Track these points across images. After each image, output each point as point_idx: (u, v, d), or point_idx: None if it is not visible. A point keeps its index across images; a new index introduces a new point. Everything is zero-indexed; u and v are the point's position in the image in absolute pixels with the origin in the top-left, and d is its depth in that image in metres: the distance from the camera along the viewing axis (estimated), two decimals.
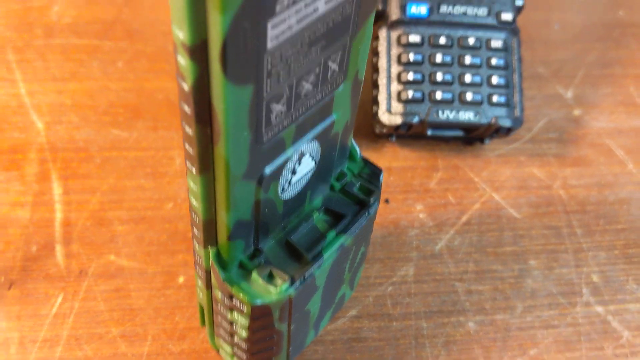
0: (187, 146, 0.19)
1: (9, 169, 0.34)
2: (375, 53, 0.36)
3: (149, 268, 0.31)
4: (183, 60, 0.16)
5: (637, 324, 0.32)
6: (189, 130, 0.18)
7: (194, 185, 0.20)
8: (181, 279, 0.31)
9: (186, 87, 0.17)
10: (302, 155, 0.22)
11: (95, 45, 0.41)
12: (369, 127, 0.38)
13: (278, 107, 0.19)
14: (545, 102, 0.42)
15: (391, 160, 0.37)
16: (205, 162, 0.19)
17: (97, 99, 0.38)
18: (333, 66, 0.21)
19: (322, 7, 0.18)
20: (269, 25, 0.16)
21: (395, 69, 0.35)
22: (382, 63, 0.35)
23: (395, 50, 0.35)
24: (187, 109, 0.18)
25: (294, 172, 0.22)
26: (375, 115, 0.35)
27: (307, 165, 0.23)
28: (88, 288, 0.30)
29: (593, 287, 0.33)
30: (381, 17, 0.35)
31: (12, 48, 0.41)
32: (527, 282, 0.33)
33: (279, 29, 0.17)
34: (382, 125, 0.35)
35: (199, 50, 0.16)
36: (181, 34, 0.16)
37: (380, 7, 0.35)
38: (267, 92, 0.18)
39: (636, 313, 0.32)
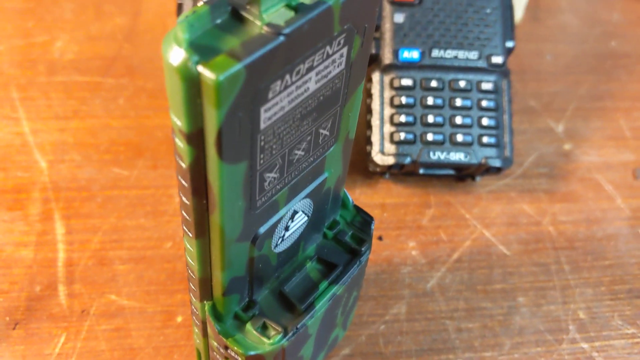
0: (184, 213, 0.20)
1: (13, 208, 0.35)
2: (368, 95, 0.37)
3: (149, 307, 0.32)
4: (181, 144, 0.17)
5: None
6: (186, 201, 0.19)
7: (191, 247, 0.21)
8: (179, 319, 0.32)
9: (184, 165, 0.18)
10: (295, 212, 0.23)
11: (97, 82, 0.43)
12: (363, 165, 0.39)
13: (271, 175, 0.20)
14: (536, 136, 0.43)
15: (385, 196, 0.38)
16: (202, 228, 0.20)
17: (98, 137, 0.40)
18: (324, 132, 0.22)
19: (312, 86, 0.19)
20: (262, 110, 0.17)
21: (388, 111, 0.36)
22: (375, 105, 0.36)
23: (387, 93, 0.36)
24: (185, 183, 0.19)
25: (287, 228, 0.23)
26: (369, 155, 0.36)
27: (300, 221, 0.24)
28: (90, 328, 0.31)
29: (579, 324, 0.34)
30: (374, 61, 0.36)
31: (16, 86, 0.42)
32: (515, 320, 0.34)
33: (272, 111, 0.18)
34: (376, 165, 0.36)
35: (195, 137, 0.17)
36: (179, 122, 0.17)
37: (373, 51, 0.36)
38: (260, 164, 0.19)
39: (621, 349, 0.33)
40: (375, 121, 0.36)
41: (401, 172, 0.37)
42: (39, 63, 0.44)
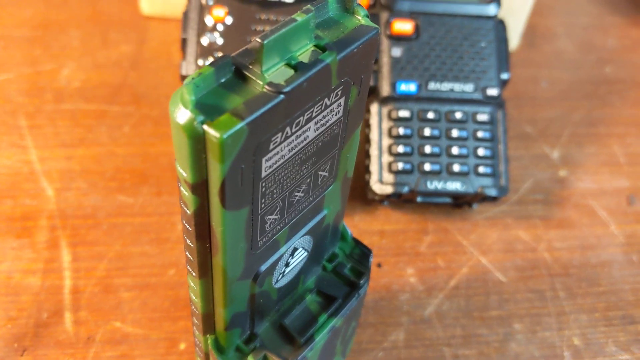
0: (188, 255, 0.21)
1: (21, 236, 0.36)
2: (367, 125, 0.38)
3: (153, 334, 0.33)
4: (186, 192, 0.18)
5: None
6: (190, 244, 0.20)
7: (194, 285, 0.22)
8: (182, 346, 0.33)
9: (189, 212, 0.19)
10: (295, 249, 0.24)
11: (103, 110, 0.44)
12: (362, 192, 0.40)
13: (272, 217, 0.21)
14: (532, 163, 0.44)
15: (383, 223, 0.39)
16: (205, 268, 0.21)
17: (104, 164, 0.41)
18: (323, 174, 0.23)
19: (311, 134, 0.20)
20: (263, 160, 0.18)
21: (386, 141, 0.37)
22: (374, 136, 0.37)
23: (386, 124, 0.37)
24: (189, 227, 0.20)
25: (287, 264, 0.24)
26: (367, 183, 0.37)
27: (299, 257, 0.25)
28: (95, 355, 0.32)
29: (574, 350, 0.35)
30: (373, 93, 0.37)
31: (24, 113, 0.43)
32: (511, 346, 0.34)
33: (272, 160, 0.19)
34: (374, 193, 0.37)
35: (199, 187, 0.18)
36: (185, 174, 0.18)
37: (372, 83, 0.37)
38: (261, 208, 0.20)
39: None
40: (373, 151, 0.37)
41: (399, 200, 0.38)
42: (47, 91, 0.45)
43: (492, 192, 0.37)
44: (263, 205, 0.20)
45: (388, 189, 0.36)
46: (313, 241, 0.25)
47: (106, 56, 0.48)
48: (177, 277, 0.35)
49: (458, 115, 0.37)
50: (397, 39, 0.37)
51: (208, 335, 0.24)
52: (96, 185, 0.39)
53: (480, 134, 0.37)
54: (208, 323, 0.24)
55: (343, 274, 0.27)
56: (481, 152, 0.37)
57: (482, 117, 0.38)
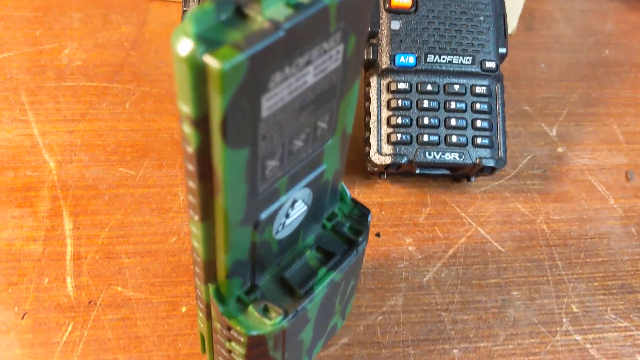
0: (190, 197, 0.22)
1: (22, 205, 0.37)
2: (367, 98, 0.38)
3: (154, 298, 0.33)
4: (188, 129, 0.19)
5: (615, 352, 0.34)
6: (192, 185, 0.21)
7: (196, 230, 0.23)
8: (184, 309, 0.33)
9: (190, 150, 0.19)
10: (295, 201, 0.24)
11: (104, 87, 0.44)
12: (361, 165, 0.40)
13: (272, 163, 0.22)
14: (530, 139, 0.44)
15: (382, 196, 0.40)
16: (207, 211, 0.22)
17: (106, 138, 0.41)
18: (322, 125, 0.23)
19: (310, 79, 0.20)
20: (263, 99, 0.19)
21: (385, 113, 0.37)
22: (373, 108, 0.38)
23: (385, 96, 0.38)
24: (191, 167, 0.20)
25: (287, 215, 0.25)
26: (367, 155, 0.38)
27: (299, 209, 0.25)
28: (96, 317, 0.32)
29: (573, 317, 0.35)
30: (372, 66, 0.38)
31: (25, 90, 0.43)
32: (509, 312, 0.34)
33: (272, 101, 0.19)
34: (374, 164, 0.37)
35: (201, 122, 0.18)
36: (186, 109, 0.18)
37: (371, 56, 0.37)
38: (262, 152, 0.21)
39: (614, 342, 0.34)
40: (373, 123, 0.37)
41: (398, 172, 0.39)
42: (48, 69, 0.45)
43: (490, 162, 0.37)
44: (263, 149, 0.21)
45: (387, 160, 0.37)
46: (312, 195, 0.25)
47: (107, 37, 0.48)
48: (178, 244, 0.35)
49: (456, 87, 0.38)
50: (396, 12, 0.38)
51: (209, 285, 0.25)
52: (97, 158, 0.40)
53: (478, 106, 0.38)
54: (209, 271, 0.24)
55: (342, 232, 0.28)
56: (479, 123, 0.38)
57: (480, 89, 0.38)
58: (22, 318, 0.32)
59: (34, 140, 0.40)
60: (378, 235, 0.37)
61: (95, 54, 0.46)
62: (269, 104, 0.19)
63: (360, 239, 0.27)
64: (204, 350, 0.30)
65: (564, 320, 0.35)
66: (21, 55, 0.46)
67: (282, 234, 0.25)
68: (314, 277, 0.26)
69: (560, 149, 0.44)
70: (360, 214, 0.28)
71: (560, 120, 0.46)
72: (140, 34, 0.49)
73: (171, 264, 0.35)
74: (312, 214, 0.26)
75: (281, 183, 0.23)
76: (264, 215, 0.23)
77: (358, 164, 0.41)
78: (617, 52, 0.53)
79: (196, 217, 0.22)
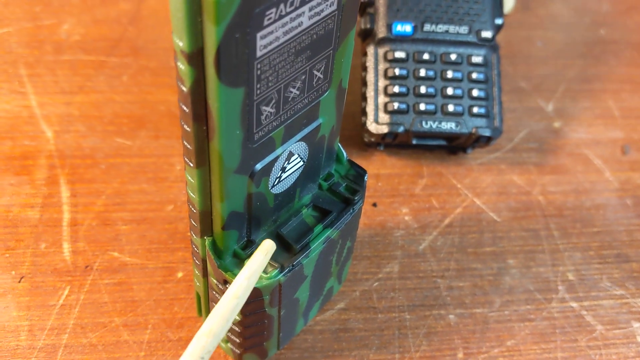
0: (185, 143, 0.22)
1: (20, 173, 0.37)
2: (363, 68, 0.38)
3: (150, 264, 0.33)
4: (182, 66, 0.19)
5: (611, 318, 0.34)
6: (187, 128, 0.21)
7: (191, 178, 0.23)
8: (180, 274, 0.33)
9: (185, 89, 0.19)
10: (291, 154, 0.24)
11: (102, 61, 0.44)
12: (358, 137, 0.41)
13: (267, 109, 0.22)
14: (526, 114, 0.45)
15: (379, 167, 0.40)
16: (202, 157, 0.22)
17: (103, 110, 0.41)
18: (318, 74, 0.23)
19: (306, 21, 0.20)
20: (258, 36, 0.19)
21: (382, 82, 0.37)
22: (370, 77, 0.38)
23: (382, 66, 0.38)
24: (186, 108, 0.20)
25: (283, 169, 0.25)
26: (364, 125, 0.38)
27: (295, 164, 0.25)
28: (93, 282, 0.32)
29: (568, 285, 0.35)
30: (369, 35, 0.38)
31: (24, 63, 0.43)
32: (505, 280, 0.35)
33: (267, 40, 0.19)
34: (371, 134, 0.37)
35: (196, 57, 0.18)
36: (181, 43, 0.18)
37: (368, 25, 0.38)
38: (257, 94, 0.21)
39: (609, 309, 0.34)
40: (369, 92, 0.37)
41: (395, 143, 0.39)
42: (46, 43, 0.45)
43: (486, 132, 0.37)
44: (259, 92, 0.21)
45: (384, 129, 0.37)
46: (309, 151, 0.25)
47: (105, 13, 0.48)
48: (175, 212, 0.36)
49: (453, 56, 0.38)
50: None
51: (206, 238, 0.25)
52: (94, 129, 0.40)
53: (474, 76, 0.38)
54: (205, 222, 0.24)
55: (338, 191, 0.28)
56: (475, 93, 0.38)
57: (477, 59, 0.38)
58: (19, 281, 0.32)
59: (32, 111, 0.40)
60: (374, 205, 0.38)
61: (93, 29, 0.46)
62: (264, 42, 0.19)
63: (356, 197, 0.27)
64: (200, 312, 0.30)
65: (560, 287, 0.35)
66: (20, 31, 0.46)
67: (278, 189, 0.25)
68: (310, 234, 0.26)
69: (556, 124, 0.44)
70: (357, 174, 0.29)
71: (556, 96, 0.46)
72: (138, 10, 0.49)
73: (167, 231, 0.35)
74: (309, 172, 0.27)
75: (277, 133, 0.23)
76: (259, 166, 0.23)
77: (355, 138, 0.41)
78: (613, 32, 0.53)
79: (191, 164, 0.22)
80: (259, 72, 0.20)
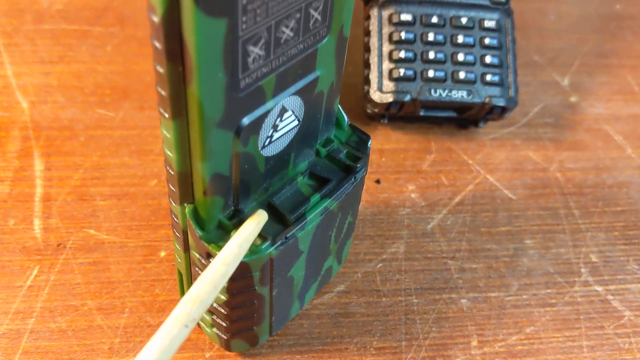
0: (159, 89, 0.18)
1: None
2: (366, 33, 0.35)
3: (130, 242, 0.30)
4: None
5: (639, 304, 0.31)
6: (160, 69, 0.18)
7: (168, 133, 0.19)
8: (163, 253, 0.30)
9: (156, 19, 0.16)
10: (284, 110, 0.21)
11: (85, 31, 0.41)
12: (361, 109, 0.37)
13: (256, 51, 0.18)
14: (541, 89, 0.41)
15: (383, 142, 0.37)
16: (178, 105, 0.18)
17: (84, 80, 0.38)
18: (315, 15, 0.20)
19: None
20: None
21: (386, 47, 0.34)
22: (374, 42, 0.34)
23: (386, 29, 0.34)
24: (158, 44, 0.17)
25: (275, 128, 0.22)
26: (366, 94, 0.35)
27: (289, 123, 0.22)
28: (65, 261, 0.29)
29: (592, 267, 0.32)
30: None
31: (1, 33, 0.40)
32: (522, 261, 0.31)
33: None
34: (374, 104, 0.34)
35: None
36: None
37: None
38: (242, 30, 0.18)
39: (638, 293, 0.31)
40: (373, 58, 0.34)
41: (400, 114, 0.36)
42: (26, 12, 0.42)
43: (500, 102, 0.34)
44: (245, 26, 0.17)
45: (388, 98, 0.34)
46: (305, 108, 0.22)
47: None
48: (159, 187, 0.32)
49: (464, 20, 0.35)
50: None
51: (186, 205, 0.22)
52: (74, 100, 0.37)
53: (487, 41, 0.35)
54: (185, 186, 0.21)
55: (338, 158, 0.25)
56: (488, 59, 0.34)
57: (489, 23, 0.35)
58: None
59: (7, 81, 0.37)
60: (378, 182, 0.34)
61: None
62: None
63: (358, 165, 0.24)
64: (182, 294, 0.27)
65: (583, 270, 0.31)
66: None
67: (269, 150, 0.22)
68: (306, 204, 0.23)
69: (572, 99, 0.41)
70: (359, 140, 0.25)
71: (572, 70, 0.43)
72: None
73: (150, 207, 0.31)
74: (305, 134, 0.23)
75: (267, 82, 0.20)
76: (247, 120, 0.20)
77: (357, 110, 0.38)
78: (628, 7, 0.50)
79: (167, 115, 0.19)
80: (244, 1, 0.17)
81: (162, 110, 0.19)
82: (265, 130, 0.21)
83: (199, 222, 0.22)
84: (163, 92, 0.18)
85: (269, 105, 0.20)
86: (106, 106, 0.36)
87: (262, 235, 0.22)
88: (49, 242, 0.30)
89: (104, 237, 0.30)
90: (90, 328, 0.27)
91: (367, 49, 0.35)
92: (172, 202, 0.22)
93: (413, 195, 0.34)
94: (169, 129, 0.19)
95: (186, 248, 0.23)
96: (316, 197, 0.23)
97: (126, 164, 0.33)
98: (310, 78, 0.21)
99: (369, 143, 0.25)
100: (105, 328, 0.27)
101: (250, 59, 0.18)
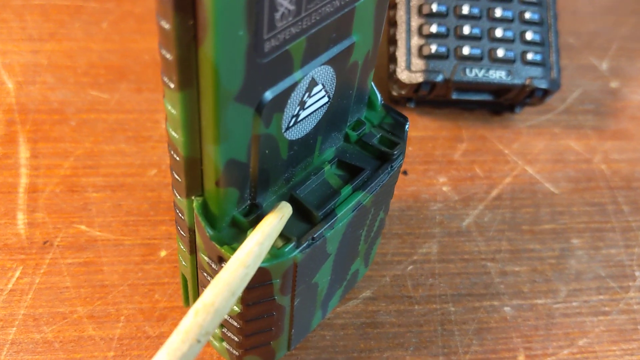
0: (163, 52, 0.15)
1: None
2: (392, 5, 0.31)
3: (126, 240, 0.26)
4: None
5: None
6: (166, 25, 0.14)
7: (173, 108, 0.16)
8: (163, 253, 0.26)
9: None
10: (313, 83, 0.18)
11: (79, 6, 0.37)
12: (384, 92, 0.34)
13: (285, 4, 0.15)
14: (579, 73, 0.38)
15: (410, 129, 0.33)
16: (187, 72, 0.15)
17: (76, 59, 0.34)
18: None
19: None
20: None
21: (415, 21, 0.31)
22: (401, 15, 0.31)
23: (415, 1, 0.31)
24: None
25: (302, 105, 0.18)
26: (392, 74, 0.31)
27: (319, 99, 0.19)
28: (53, 261, 0.25)
29: None
30: None
31: None
32: (570, 263, 0.28)
33: None
34: (401, 85, 0.31)
35: None
36: None
37: None
38: None
39: None
40: (400, 34, 0.31)
41: (429, 98, 0.32)
42: None
43: (542, 84, 0.30)
44: None
45: (418, 78, 0.30)
46: (337, 82, 0.19)
47: None
48: (159, 177, 0.29)
49: None
50: None
51: (194, 198, 0.18)
52: (66, 80, 0.33)
53: (527, 16, 0.31)
54: (193, 175, 0.17)
55: (372, 144, 0.21)
56: (529, 36, 0.31)
57: None
58: None
59: None
60: (405, 173, 0.31)
61: None
62: None
63: (395, 152, 0.21)
64: (187, 301, 0.23)
65: (637, 273, 0.28)
66: None
67: (294, 133, 0.18)
68: (336, 198, 0.19)
69: (613, 84, 0.37)
70: (395, 122, 0.22)
71: (610, 54, 0.40)
72: None
73: (149, 200, 0.28)
74: (334, 114, 0.20)
75: (296, 47, 0.16)
76: (270, 94, 0.16)
77: (380, 92, 0.34)
78: None
79: (172, 85, 0.15)
80: None
81: (166, 80, 0.15)
82: (291, 107, 0.17)
83: (209, 218, 0.18)
84: (168, 56, 0.15)
85: (297, 76, 0.17)
86: (100, 87, 0.33)
87: (284, 236, 0.18)
88: (34, 239, 0.26)
89: (96, 234, 0.26)
90: (80, 339, 0.23)
91: (393, 23, 0.31)
92: (177, 195, 0.19)
93: (445, 189, 0.30)
94: (175, 102, 0.15)
95: (192, 249, 0.20)
96: (347, 190, 0.20)
97: (122, 151, 0.30)
98: (345, 44, 0.18)
99: (407, 126, 0.22)
100: (98, 339, 0.23)
101: (278, 15, 0.15)
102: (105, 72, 0.33)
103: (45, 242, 0.26)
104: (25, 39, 0.35)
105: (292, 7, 0.15)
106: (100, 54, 0.34)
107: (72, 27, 0.36)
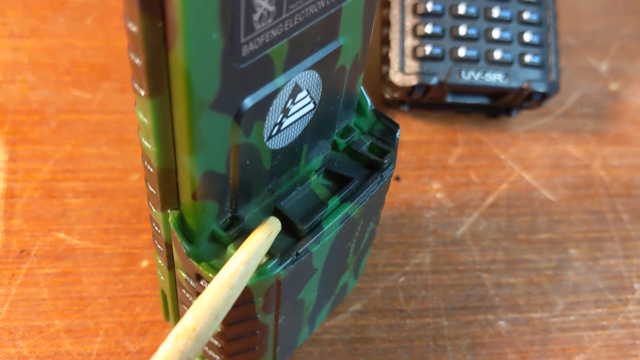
0: (132, 56, 0.14)
1: None
2: (385, 4, 0.30)
3: (106, 249, 0.25)
4: None
5: None
6: (133, 27, 0.13)
7: (144, 117, 0.15)
8: (145, 263, 0.25)
9: None
10: (297, 89, 0.17)
11: (62, 1, 0.36)
12: (377, 94, 0.33)
13: (264, 5, 0.14)
14: (578, 75, 0.37)
15: (403, 133, 0.32)
16: (158, 78, 0.14)
17: (58, 57, 0.33)
18: None
19: None
20: None
21: (410, 20, 0.29)
22: (395, 14, 0.30)
23: (410, 0, 0.30)
24: None
25: (286, 112, 0.17)
26: (385, 76, 0.30)
27: (304, 106, 0.17)
28: (29, 271, 0.24)
29: None
30: None
31: None
32: (567, 275, 0.27)
33: None
34: (394, 87, 0.29)
35: None
36: None
37: None
38: None
39: None
40: (394, 34, 0.29)
41: (423, 101, 0.31)
42: None
43: (541, 87, 0.29)
44: None
45: (412, 80, 0.29)
46: (323, 87, 0.18)
47: None
48: (141, 183, 0.28)
49: None
50: None
51: (170, 212, 0.17)
52: (47, 79, 0.32)
53: (526, 16, 0.30)
54: (168, 187, 0.16)
55: (361, 152, 0.20)
56: (527, 37, 0.30)
57: None
58: None
59: None
60: (397, 179, 0.30)
61: None
62: None
63: (386, 160, 0.20)
64: (167, 316, 0.22)
65: (636, 285, 0.27)
66: None
67: (277, 142, 0.17)
68: (322, 210, 0.18)
69: (613, 86, 0.36)
70: (385, 129, 0.21)
71: (610, 55, 0.39)
72: None
73: (131, 207, 0.27)
74: (321, 121, 0.19)
75: (277, 51, 0.15)
76: (250, 101, 0.15)
77: (372, 95, 0.33)
78: None
79: (142, 92, 0.14)
80: None
81: (136, 86, 0.14)
82: (274, 115, 0.16)
83: (187, 233, 0.17)
84: (137, 60, 0.13)
85: (278, 81, 0.16)
86: (83, 87, 0.31)
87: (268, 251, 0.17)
88: (10, 247, 0.25)
89: (75, 243, 0.25)
90: (57, 354, 0.22)
91: (387, 23, 0.30)
92: (152, 208, 0.17)
93: (438, 195, 0.29)
94: (146, 110, 0.14)
95: (171, 265, 0.19)
96: (335, 201, 0.19)
97: (104, 154, 0.28)
98: (331, 47, 0.17)
99: (398, 133, 0.21)
100: (76, 355, 0.22)
101: (256, 16, 0.14)
102: (88, 70, 0.32)
103: (22, 251, 0.25)
104: (5, 35, 0.34)
105: (271, 8, 0.14)
106: (84, 52, 0.33)
107: (55, 23, 0.35)
